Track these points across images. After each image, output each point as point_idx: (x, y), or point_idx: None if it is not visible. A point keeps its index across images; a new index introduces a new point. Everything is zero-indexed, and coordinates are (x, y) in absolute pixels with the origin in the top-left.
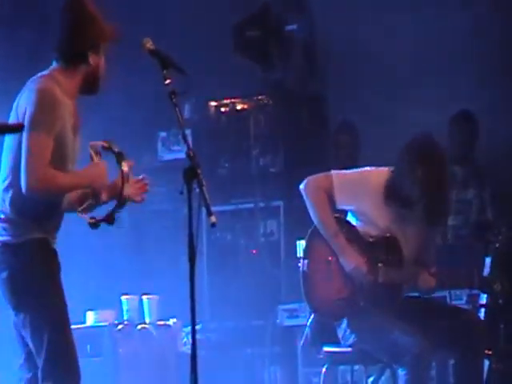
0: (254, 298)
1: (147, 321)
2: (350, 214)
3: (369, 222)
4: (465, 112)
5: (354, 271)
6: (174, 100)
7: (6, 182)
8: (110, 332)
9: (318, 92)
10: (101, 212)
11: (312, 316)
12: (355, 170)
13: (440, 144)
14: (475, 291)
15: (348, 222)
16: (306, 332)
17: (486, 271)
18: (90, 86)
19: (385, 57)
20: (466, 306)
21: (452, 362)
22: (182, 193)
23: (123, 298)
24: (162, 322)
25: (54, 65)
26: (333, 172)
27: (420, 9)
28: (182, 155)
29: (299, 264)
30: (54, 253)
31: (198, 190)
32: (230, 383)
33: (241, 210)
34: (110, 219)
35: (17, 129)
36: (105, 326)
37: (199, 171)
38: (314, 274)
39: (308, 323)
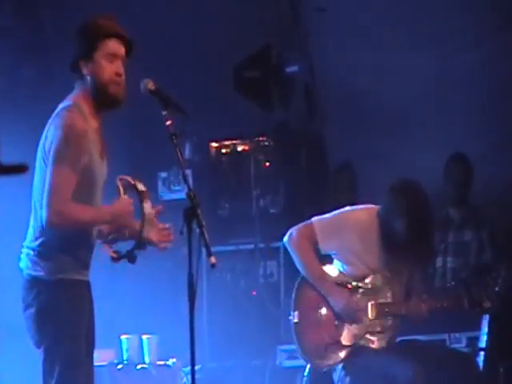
0: (254, 338)
1: (147, 360)
2: (335, 261)
3: (355, 260)
4: (459, 154)
5: (343, 310)
6: (174, 141)
7: (37, 217)
8: (109, 372)
9: (317, 132)
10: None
11: (308, 365)
12: (334, 213)
13: (423, 186)
14: (475, 334)
15: (335, 268)
16: (305, 381)
17: (486, 316)
18: (102, 98)
19: (384, 98)
20: (465, 350)
21: None
22: (182, 233)
23: (123, 337)
24: (161, 362)
25: (75, 89)
26: (313, 219)
27: (419, 51)
28: (183, 195)
29: (290, 317)
30: (86, 289)
31: (198, 231)
32: None
33: (241, 250)
34: (130, 257)
35: (21, 169)
36: (104, 365)
37: (199, 211)
38: (305, 324)
39: (305, 372)
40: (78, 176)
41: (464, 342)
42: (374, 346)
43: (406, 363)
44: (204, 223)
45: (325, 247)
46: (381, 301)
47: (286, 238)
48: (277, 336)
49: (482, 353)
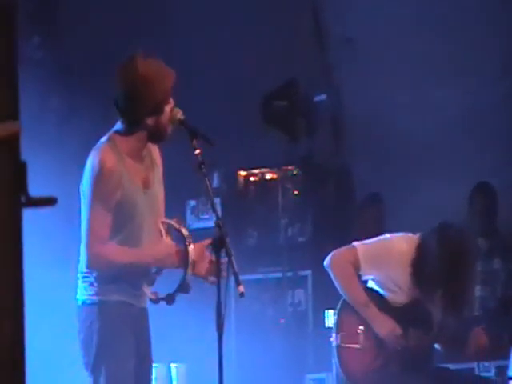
0: (282, 367)
1: None
2: (373, 283)
3: (395, 288)
4: (483, 184)
5: (388, 336)
6: (203, 170)
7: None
8: None
9: (344, 163)
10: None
11: None
12: (376, 240)
13: (470, 237)
14: (504, 363)
15: (375, 291)
16: None
17: None
18: (157, 137)
19: (410, 130)
20: (494, 379)
21: None
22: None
23: None
24: None
25: (117, 125)
26: (355, 244)
27: (445, 84)
28: (211, 224)
29: (331, 339)
30: (130, 311)
31: (226, 259)
32: None
33: (269, 279)
34: (169, 300)
35: (49, 202)
36: None
37: (228, 240)
38: (347, 348)
39: None
40: (112, 213)
41: (493, 371)
42: (413, 372)
43: None
44: (233, 252)
45: (367, 273)
46: (420, 327)
47: (326, 261)
48: (305, 364)
49: (511, 382)
